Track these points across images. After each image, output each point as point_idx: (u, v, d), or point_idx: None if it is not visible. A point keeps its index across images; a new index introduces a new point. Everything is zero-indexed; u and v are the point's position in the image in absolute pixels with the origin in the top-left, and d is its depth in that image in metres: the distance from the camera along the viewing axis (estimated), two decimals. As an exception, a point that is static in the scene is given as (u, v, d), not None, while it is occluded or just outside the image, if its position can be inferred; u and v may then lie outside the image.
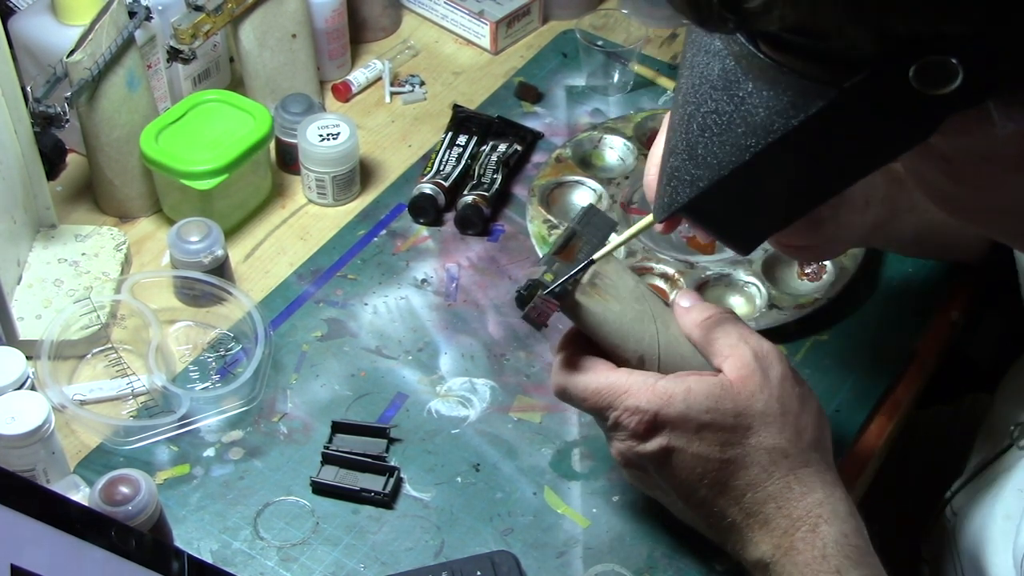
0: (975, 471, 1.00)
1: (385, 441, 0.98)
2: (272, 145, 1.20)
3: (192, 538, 0.93)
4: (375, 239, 1.15)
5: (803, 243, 0.94)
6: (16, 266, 1.08)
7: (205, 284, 1.06)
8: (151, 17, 1.13)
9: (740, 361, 0.82)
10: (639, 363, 0.84)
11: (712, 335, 0.84)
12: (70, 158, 1.22)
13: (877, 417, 1.02)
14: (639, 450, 0.82)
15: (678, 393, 0.80)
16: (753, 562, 0.82)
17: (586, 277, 0.83)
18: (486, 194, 1.16)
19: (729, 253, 1.12)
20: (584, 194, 1.18)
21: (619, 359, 0.84)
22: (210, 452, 0.98)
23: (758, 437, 0.81)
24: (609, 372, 0.83)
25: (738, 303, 1.09)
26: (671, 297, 1.08)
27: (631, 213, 1.15)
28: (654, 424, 0.81)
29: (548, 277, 0.82)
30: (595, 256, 0.83)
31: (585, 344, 0.85)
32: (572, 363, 0.84)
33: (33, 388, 0.94)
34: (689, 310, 0.85)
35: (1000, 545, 0.91)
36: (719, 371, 0.83)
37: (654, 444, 0.81)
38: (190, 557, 0.79)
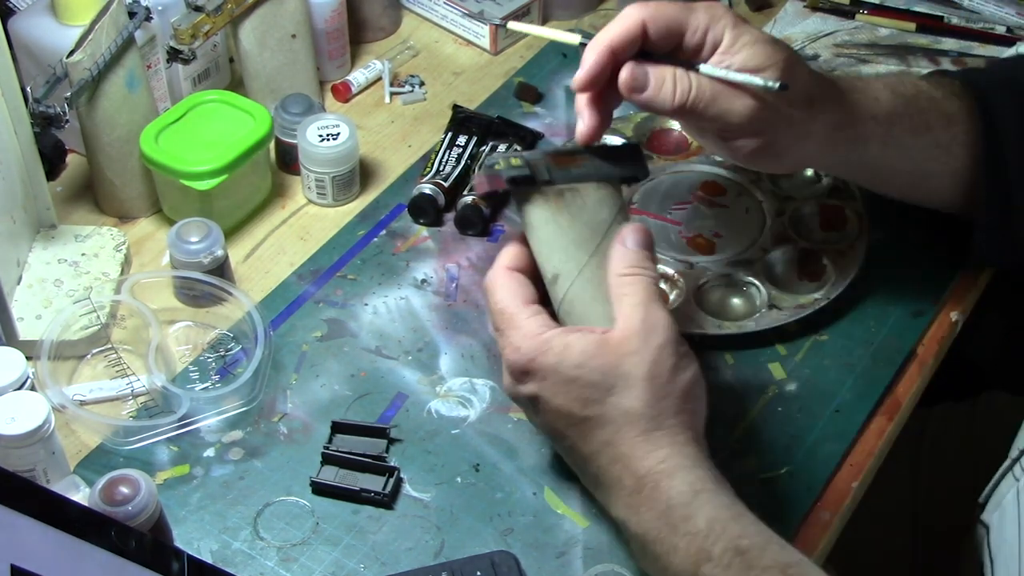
0: (1004, 472, 0.99)
1: (385, 441, 0.98)
2: (272, 145, 1.20)
3: (192, 538, 0.93)
4: (375, 239, 1.15)
5: (751, 140, 0.94)
6: (16, 266, 1.08)
7: (205, 284, 1.06)
8: (151, 17, 1.14)
9: (627, 323, 0.84)
10: (552, 281, 0.88)
11: (621, 291, 0.86)
12: (70, 158, 1.22)
13: (877, 417, 1.02)
14: (515, 390, 0.87)
15: (556, 346, 0.84)
16: (614, 520, 0.86)
17: (558, 186, 0.86)
18: (486, 194, 1.16)
19: (729, 253, 1.12)
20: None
21: (540, 270, 0.88)
22: (210, 452, 0.98)
23: (618, 397, 0.83)
24: (517, 298, 0.87)
25: (738, 303, 1.09)
26: (670, 298, 1.08)
27: (631, 213, 1.15)
28: (527, 368, 0.85)
29: (516, 162, 0.85)
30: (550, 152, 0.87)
31: (528, 254, 0.90)
32: (500, 275, 0.89)
33: (33, 388, 0.94)
34: (623, 255, 0.87)
35: None
36: (604, 331, 0.85)
37: (525, 389, 0.86)
38: (190, 557, 0.79)
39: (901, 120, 1.00)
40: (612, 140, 1.14)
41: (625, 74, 0.92)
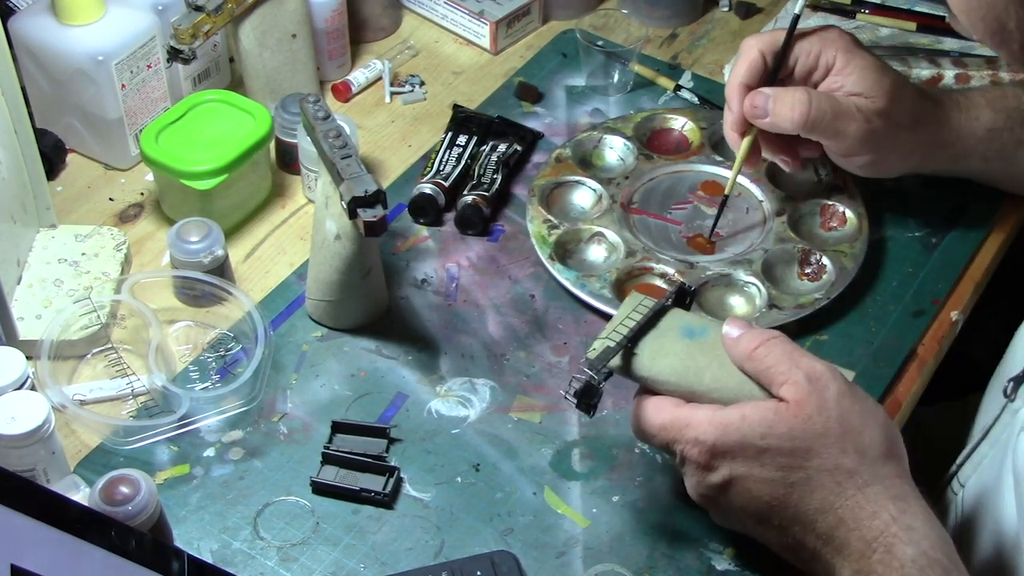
0: (977, 442, 1.00)
1: (385, 441, 0.98)
2: (272, 145, 1.20)
3: (192, 538, 0.93)
4: (375, 239, 1.15)
5: (852, 150, 1.06)
6: (16, 266, 1.08)
7: (205, 284, 1.06)
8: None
9: (794, 386, 0.82)
10: (688, 395, 0.87)
11: (764, 364, 0.84)
12: (70, 158, 1.22)
13: (877, 417, 1.02)
14: (706, 482, 0.84)
15: (733, 421, 0.82)
16: None
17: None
18: (486, 194, 1.16)
19: (729, 253, 1.12)
20: (584, 194, 1.18)
21: (680, 396, 0.88)
22: (210, 452, 0.98)
23: (820, 459, 0.81)
24: (673, 408, 0.86)
25: (738, 303, 1.09)
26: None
27: (631, 213, 1.15)
28: (713, 453, 0.83)
29: (594, 361, 0.87)
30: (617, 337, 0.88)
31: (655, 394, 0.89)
32: (643, 404, 0.87)
33: (33, 388, 0.94)
34: (738, 340, 0.86)
35: (1007, 497, 0.91)
36: (778, 398, 0.83)
37: (717, 475, 0.84)
38: (190, 557, 0.79)
39: (1001, 135, 1.08)
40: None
41: (747, 103, 1.05)
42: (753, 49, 1.05)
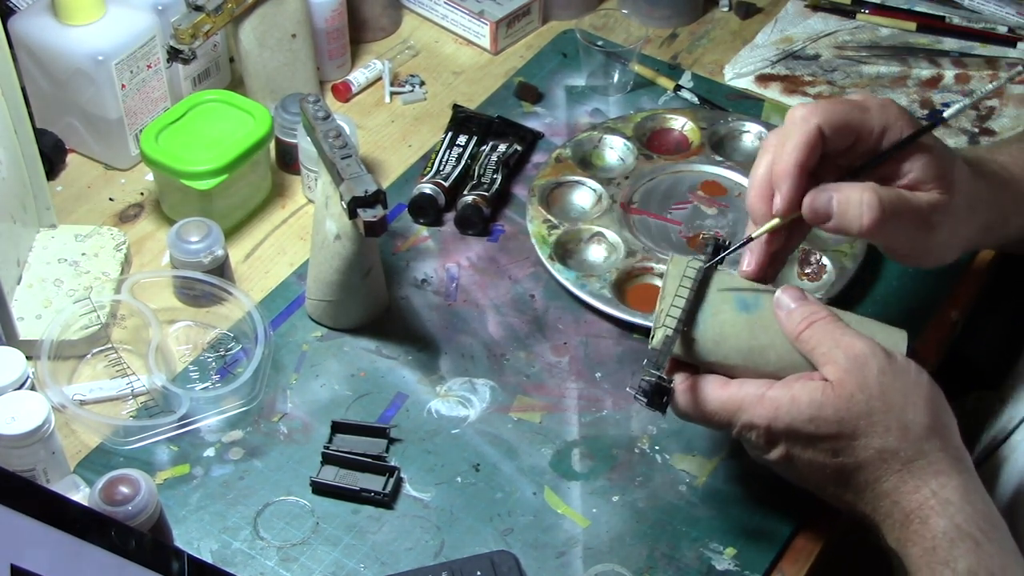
0: (977, 462, 1.00)
1: (385, 441, 0.98)
2: (272, 145, 1.20)
3: (192, 538, 0.93)
4: (375, 239, 1.15)
5: (914, 251, 0.93)
6: (16, 266, 1.08)
7: (205, 284, 1.06)
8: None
9: (835, 367, 0.84)
10: (756, 375, 0.87)
11: (810, 345, 0.86)
12: (70, 158, 1.22)
13: (877, 417, 1.02)
14: (766, 457, 0.88)
15: (784, 403, 0.84)
16: (888, 550, 0.86)
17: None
18: (486, 194, 1.16)
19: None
20: (584, 194, 1.18)
21: (725, 371, 0.88)
22: (210, 452, 0.98)
23: (865, 439, 0.83)
24: (721, 390, 0.87)
25: (738, 303, 1.09)
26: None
27: (631, 213, 1.15)
28: (769, 437, 0.85)
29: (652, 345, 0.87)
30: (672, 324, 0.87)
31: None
32: (689, 388, 0.88)
33: (33, 388, 0.94)
34: (791, 314, 0.87)
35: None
36: (823, 379, 0.85)
37: (775, 454, 0.86)
38: (190, 557, 0.79)
39: None
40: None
41: (807, 204, 0.88)
42: (811, 122, 0.87)
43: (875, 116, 0.89)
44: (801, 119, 0.88)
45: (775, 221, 0.89)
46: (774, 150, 0.89)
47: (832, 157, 0.89)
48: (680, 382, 0.88)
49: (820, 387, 0.84)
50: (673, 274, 0.90)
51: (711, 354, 0.88)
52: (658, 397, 0.86)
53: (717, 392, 0.86)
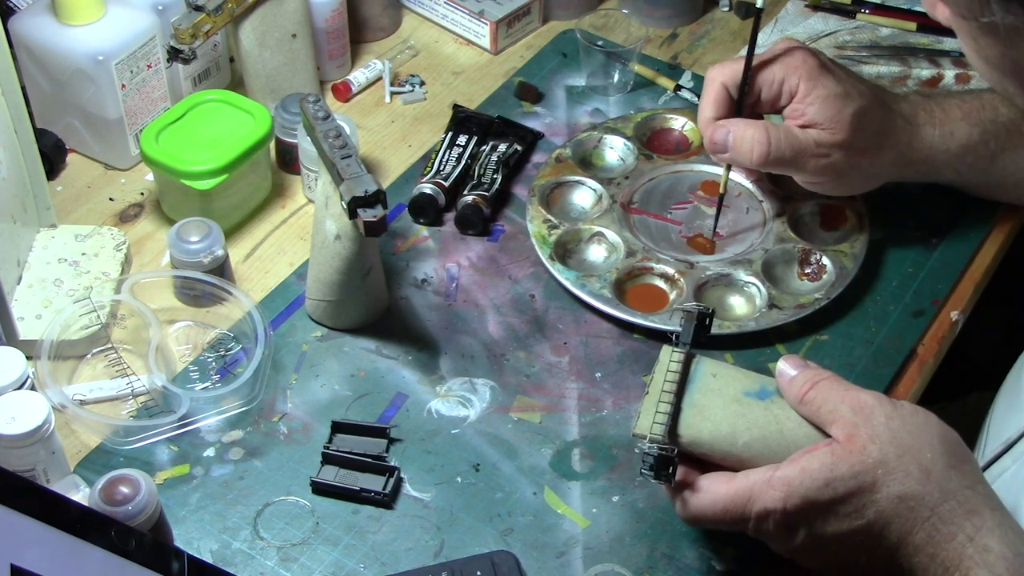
0: (998, 454, 0.99)
1: (385, 441, 0.98)
2: (272, 145, 1.20)
3: (192, 538, 0.93)
4: (375, 239, 1.15)
5: (822, 180, 1.06)
6: (16, 266, 1.08)
7: (205, 284, 1.06)
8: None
9: (842, 422, 0.82)
10: (758, 453, 0.85)
11: (815, 406, 0.84)
12: (70, 158, 1.22)
13: (877, 417, 1.02)
14: (789, 548, 0.83)
15: (795, 479, 0.81)
16: None
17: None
18: (486, 194, 1.16)
19: (729, 253, 1.12)
20: (584, 194, 1.18)
21: (734, 463, 0.85)
22: (210, 452, 0.98)
23: (886, 488, 0.80)
24: (726, 485, 0.83)
25: (738, 303, 1.09)
26: (670, 298, 1.08)
27: (631, 213, 1.15)
28: (787, 521, 0.81)
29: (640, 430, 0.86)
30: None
31: (695, 460, 0.86)
32: (689, 489, 0.85)
33: (33, 388, 0.94)
34: (793, 381, 0.85)
35: None
36: (831, 439, 0.82)
37: (797, 540, 0.82)
38: (190, 557, 0.79)
39: (976, 149, 1.07)
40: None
41: (706, 139, 1.07)
42: (715, 81, 1.06)
43: (774, 68, 1.05)
44: (708, 79, 1.07)
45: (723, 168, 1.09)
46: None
47: (766, 103, 1.07)
48: (684, 484, 0.85)
49: (829, 450, 0.81)
50: (662, 361, 0.89)
51: (728, 445, 0.85)
52: (664, 468, 0.84)
53: (724, 488, 0.83)
